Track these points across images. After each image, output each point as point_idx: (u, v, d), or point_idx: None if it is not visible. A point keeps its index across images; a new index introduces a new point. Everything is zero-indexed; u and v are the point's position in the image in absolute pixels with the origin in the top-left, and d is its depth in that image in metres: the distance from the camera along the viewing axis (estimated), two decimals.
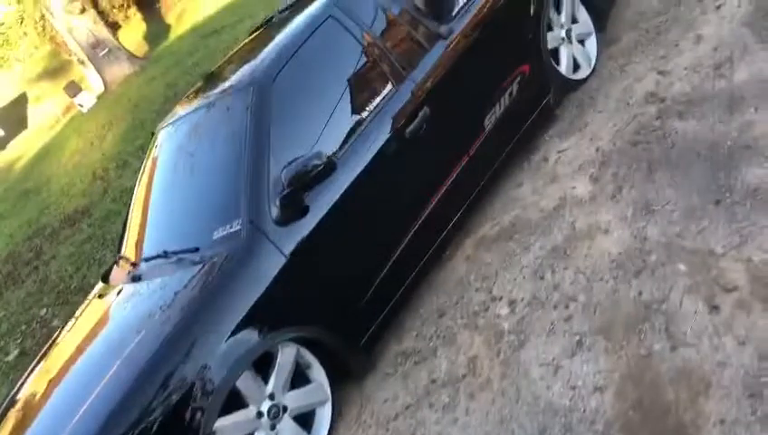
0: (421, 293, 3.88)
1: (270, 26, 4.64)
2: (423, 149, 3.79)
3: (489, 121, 4.13)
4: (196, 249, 3.43)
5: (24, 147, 18.66)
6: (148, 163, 4.33)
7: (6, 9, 25.38)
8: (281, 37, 3.94)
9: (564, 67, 4.67)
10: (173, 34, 19.18)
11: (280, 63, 3.66)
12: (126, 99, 13.59)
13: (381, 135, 3.69)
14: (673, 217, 3.16)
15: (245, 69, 3.88)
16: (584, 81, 4.74)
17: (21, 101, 22.82)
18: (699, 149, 3.43)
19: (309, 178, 3.28)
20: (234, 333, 3.11)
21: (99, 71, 15.09)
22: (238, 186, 3.38)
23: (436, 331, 3.55)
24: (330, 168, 3.31)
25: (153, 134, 4.51)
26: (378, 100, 3.76)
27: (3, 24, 26.59)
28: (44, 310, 6.77)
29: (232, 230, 3.31)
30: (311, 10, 3.98)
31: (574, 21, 4.82)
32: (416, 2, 4.16)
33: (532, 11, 4.46)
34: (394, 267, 3.61)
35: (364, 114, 3.70)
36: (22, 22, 25.22)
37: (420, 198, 3.79)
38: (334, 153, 3.52)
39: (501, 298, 3.45)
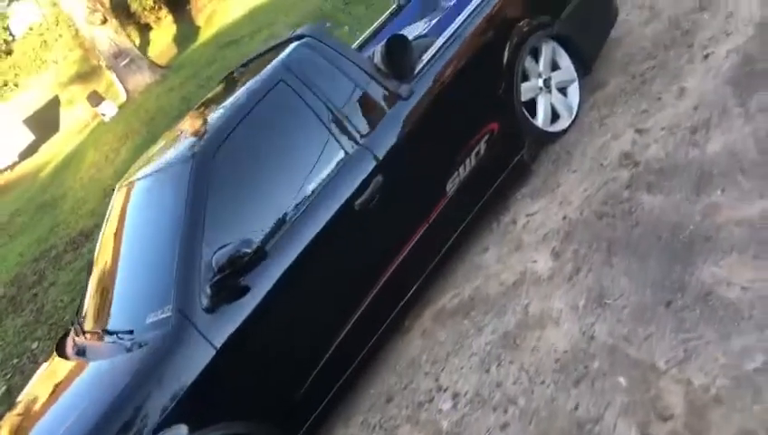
0: (377, 367, 3.71)
1: (231, 79, 4.48)
2: (375, 220, 3.60)
3: (452, 185, 3.92)
4: (131, 332, 3.31)
5: (54, 151, 18.92)
6: (107, 224, 4.22)
7: (43, 11, 25.79)
8: (230, 102, 3.78)
9: (541, 119, 4.43)
10: (201, 38, 19.19)
11: (222, 136, 3.50)
12: (144, 110, 13.62)
13: (328, 209, 3.51)
14: (623, 314, 2.93)
15: (192, 137, 3.73)
16: (564, 132, 4.50)
17: (54, 104, 23.17)
18: (661, 232, 3.18)
19: (240, 265, 3.12)
20: (159, 428, 2.98)
21: (121, 80, 15.16)
22: (170, 269, 3.24)
23: (380, 420, 3.38)
24: (260, 255, 3.15)
25: (114, 190, 4.40)
26: (327, 170, 3.58)
27: (41, 24, 27.05)
28: (36, 343, 6.77)
29: (162, 317, 3.18)
30: (262, 73, 3.81)
31: (555, 68, 4.57)
32: (374, 61, 3.95)
33: (504, 63, 4.23)
34: (339, 350, 3.45)
35: (311, 186, 3.53)
36: (57, 24, 25.61)
37: (371, 273, 3.61)
38: (273, 234, 3.36)
39: (446, 389, 3.26)
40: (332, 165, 3.61)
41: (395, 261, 3.67)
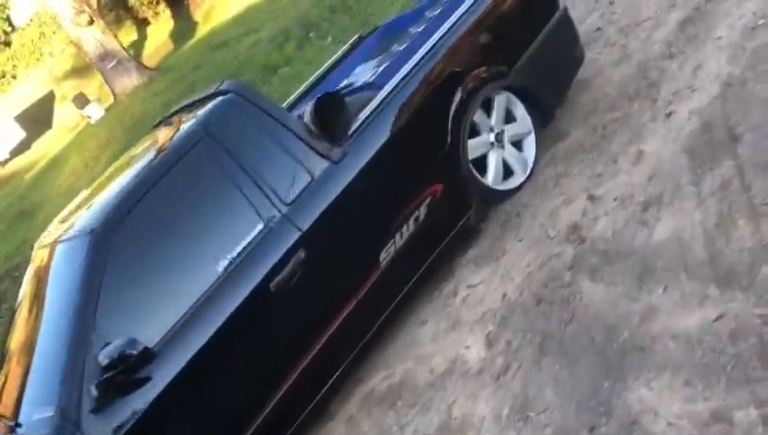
0: None
1: (153, 135, 4.18)
2: (294, 300, 3.32)
3: (386, 255, 3.63)
4: (18, 425, 3.04)
5: (44, 149, 18.68)
6: (23, 290, 3.94)
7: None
8: (141, 165, 3.49)
9: (491, 177, 4.13)
10: (197, 35, 18.87)
11: (124, 209, 3.22)
12: (129, 114, 13.36)
13: (241, 290, 3.22)
14: (544, 434, 2.63)
15: (95, 206, 3.43)
16: (518, 189, 4.19)
17: (48, 99, 22.91)
18: (595, 333, 2.89)
19: (129, 364, 2.84)
20: None
21: (108, 82, 14.88)
22: (58, 362, 2.96)
23: None
24: (147, 356, 2.87)
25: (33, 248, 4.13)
26: (243, 245, 3.29)
27: (39, 16, 26.74)
28: None
29: (47, 415, 2.91)
30: (178, 133, 3.52)
31: (510, 119, 4.25)
32: (304, 121, 3.65)
33: (450, 119, 3.92)
34: None
35: (223, 264, 3.24)
36: (54, 17, 25.31)
37: (289, 357, 3.33)
38: (175, 322, 3.07)
39: None
40: (249, 239, 3.32)
41: (317, 344, 3.39)
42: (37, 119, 21.81)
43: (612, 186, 3.69)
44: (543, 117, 4.43)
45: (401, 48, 4.39)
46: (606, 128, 4.22)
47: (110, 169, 4.23)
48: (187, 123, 3.56)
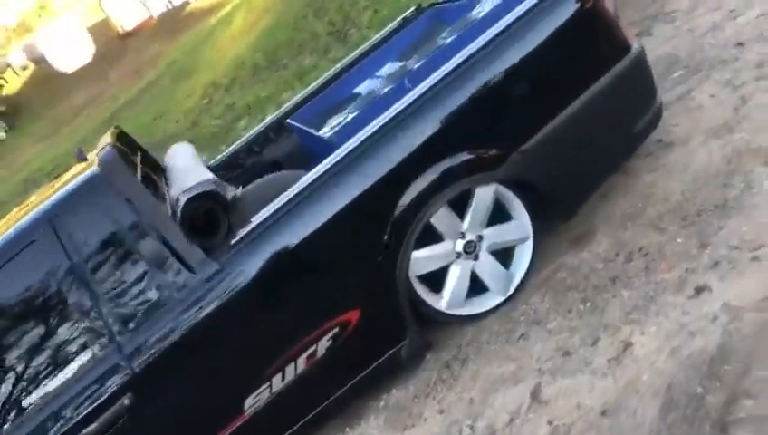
0: None
1: None
2: None
3: (255, 401, 2.87)
4: None
5: None
6: None
7: None
8: None
9: (446, 299, 3.09)
10: None
11: None
12: None
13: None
14: None
15: None
16: (490, 312, 3.14)
17: None
18: None
19: None
20: None
21: None
22: None
23: None
24: None
25: None
26: (56, 383, 2.71)
27: None
28: None
29: None
30: (15, 227, 2.87)
31: (501, 216, 3.11)
32: (171, 222, 2.82)
33: (389, 224, 2.90)
34: None
35: (27, 403, 2.69)
36: None
37: None
38: None
39: None
40: (65, 376, 2.71)
41: None
42: None
43: (563, 386, 2.57)
44: (558, 214, 3.21)
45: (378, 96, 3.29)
46: (632, 260, 2.94)
47: None
48: (39, 206, 2.89)
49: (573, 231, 3.27)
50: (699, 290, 2.59)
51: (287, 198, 2.87)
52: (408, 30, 4.14)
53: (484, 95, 2.98)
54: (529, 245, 3.14)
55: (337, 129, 3.25)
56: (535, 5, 3.03)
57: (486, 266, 3.09)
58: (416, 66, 3.34)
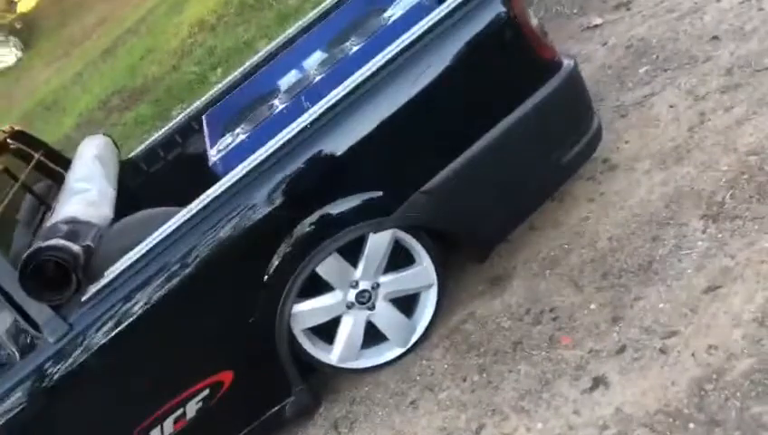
0: None
1: None
2: None
3: None
4: None
5: None
6: None
7: None
8: None
9: (338, 352, 2.78)
10: None
11: None
12: None
13: None
14: None
15: None
16: (388, 363, 2.83)
17: None
18: None
19: None
20: None
21: None
22: None
23: None
24: None
25: None
26: None
27: None
28: None
29: None
30: None
31: (405, 260, 2.75)
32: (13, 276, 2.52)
33: (267, 275, 2.57)
34: None
35: None
36: None
37: None
38: None
39: None
40: None
41: None
42: None
43: None
44: (469, 257, 2.83)
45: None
46: (539, 323, 2.58)
47: None
48: None
49: (492, 269, 2.90)
50: (596, 383, 2.23)
51: (148, 246, 2.54)
52: (346, 8, 3.65)
53: (382, 124, 2.56)
54: (434, 292, 2.77)
55: (223, 153, 2.88)
56: (448, 15, 2.56)
57: (384, 316, 2.76)
58: (316, 80, 2.91)
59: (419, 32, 2.56)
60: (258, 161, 2.55)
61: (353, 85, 2.55)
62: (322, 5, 3.69)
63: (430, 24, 2.56)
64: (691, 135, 2.88)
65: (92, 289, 2.52)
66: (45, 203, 3.39)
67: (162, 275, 2.52)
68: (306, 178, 2.55)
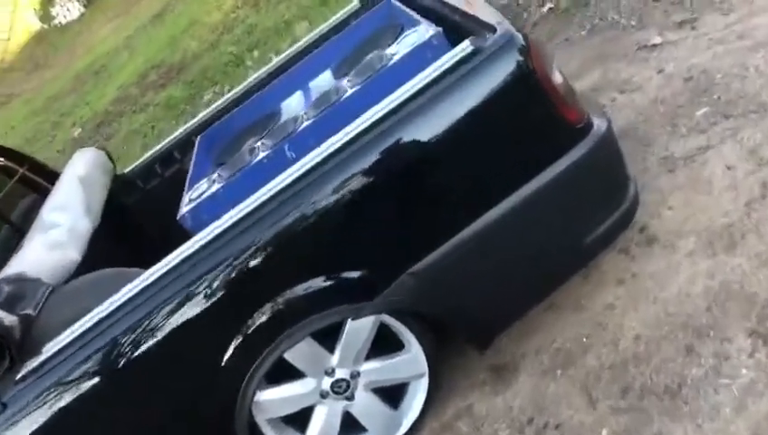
0: None
1: None
2: None
3: None
4: None
5: None
6: None
7: None
8: None
9: None
10: None
11: None
12: None
13: None
14: None
15: None
16: None
17: None
18: None
19: None
20: None
21: None
22: None
23: None
24: None
25: None
26: None
27: None
28: None
29: None
30: None
31: (394, 345, 2.38)
32: None
33: (225, 361, 2.23)
34: None
35: None
36: None
37: None
38: None
39: None
40: None
41: None
42: None
43: None
44: (468, 344, 2.42)
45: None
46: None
47: None
48: None
49: (498, 355, 2.49)
50: None
51: (95, 319, 2.22)
52: (365, 19, 3.22)
53: (367, 191, 2.15)
54: (424, 382, 2.38)
55: (194, 204, 2.52)
56: (456, 65, 2.12)
57: (365, 407, 2.39)
58: (301, 127, 2.51)
59: (421, 83, 2.13)
60: (226, 226, 2.18)
61: (339, 144, 2.14)
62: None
63: (435, 74, 2.12)
64: (748, 212, 2.38)
65: (28, 366, 2.21)
66: (20, 230, 3.12)
67: (104, 351, 2.20)
68: (277, 249, 2.17)
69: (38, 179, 3.47)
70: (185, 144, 3.42)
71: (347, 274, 2.18)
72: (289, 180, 2.15)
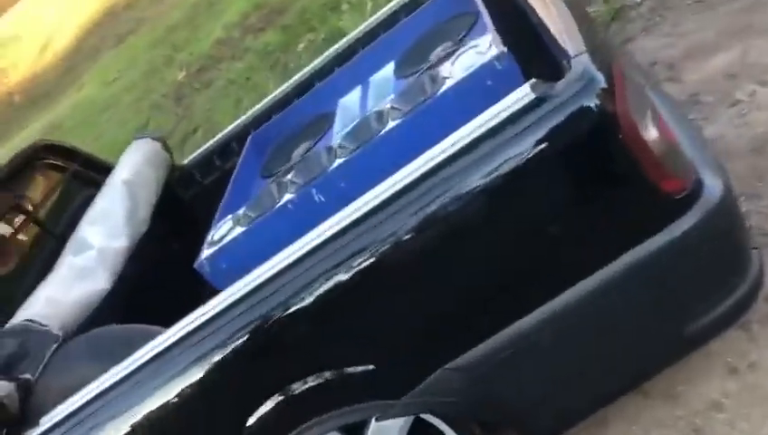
0: None
1: None
2: None
3: None
4: None
5: None
6: None
7: None
8: None
9: None
10: None
11: None
12: None
13: None
14: None
15: None
16: None
17: None
18: None
19: None
20: None
21: None
22: None
23: None
24: None
25: None
26: None
27: None
28: None
29: None
30: None
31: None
32: None
33: None
34: None
35: None
36: None
37: None
38: None
39: None
40: None
41: None
42: None
43: None
44: None
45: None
46: None
47: None
48: None
49: None
50: None
51: (99, 389, 1.96)
52: (430, 6, 2.71)
53: (400, 265, 1.73)
54: None
55: (213, 250, 2.18)
56: (520, 112, 1.62)
57: None
58: (332, 166, 2.08)
59: (476, 132, 1.63)
60: (244, 292, 1.84)
61: (375, 202, 1.71)
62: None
63: (496, 120, 1.62)
64: None
65: None
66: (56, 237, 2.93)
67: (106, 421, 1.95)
68: (284, 328, 1.80)
69: (92, 174, 3.26)
70: (243, 136, 3.11)
71: (362, 366, 1.78)
72: (313, 245, 1.76)
